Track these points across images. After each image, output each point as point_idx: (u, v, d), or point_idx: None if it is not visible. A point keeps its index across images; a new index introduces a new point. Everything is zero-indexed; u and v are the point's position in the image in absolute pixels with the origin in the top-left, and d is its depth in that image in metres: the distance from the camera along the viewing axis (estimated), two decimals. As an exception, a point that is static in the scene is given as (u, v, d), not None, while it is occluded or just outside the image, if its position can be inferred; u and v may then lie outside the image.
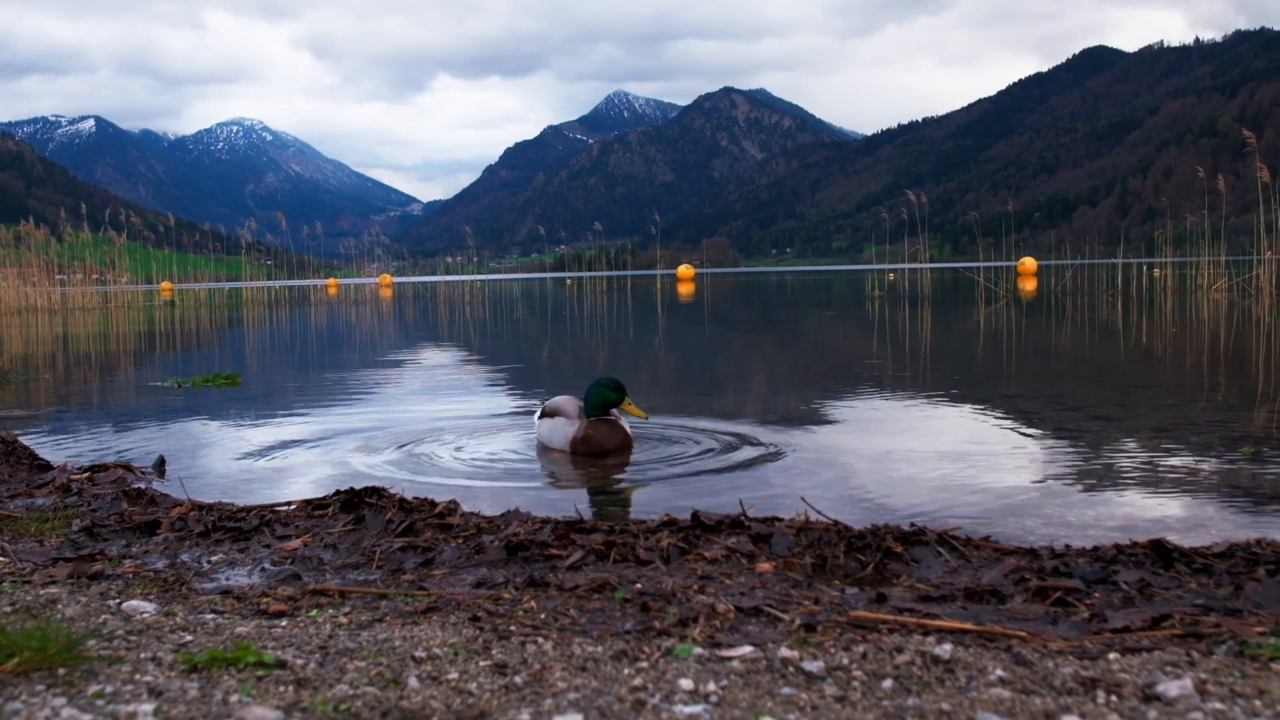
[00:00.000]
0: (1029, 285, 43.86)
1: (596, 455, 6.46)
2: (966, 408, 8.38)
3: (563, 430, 6.58)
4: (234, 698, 2.34)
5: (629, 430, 6.76)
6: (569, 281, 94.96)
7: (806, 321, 23.62)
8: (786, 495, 5.50)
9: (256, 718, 2.19)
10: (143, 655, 2.66)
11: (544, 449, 6.75)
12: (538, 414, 6.97)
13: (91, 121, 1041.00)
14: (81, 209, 57.07)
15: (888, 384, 10.16)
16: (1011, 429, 7.28)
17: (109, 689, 2.39)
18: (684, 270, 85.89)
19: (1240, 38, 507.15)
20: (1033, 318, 21.83)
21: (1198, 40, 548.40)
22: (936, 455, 6.37)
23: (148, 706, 2.26)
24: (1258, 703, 2.26)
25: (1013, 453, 6.40)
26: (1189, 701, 2.26)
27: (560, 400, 6.80)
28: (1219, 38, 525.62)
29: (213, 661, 2.57)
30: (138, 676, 2.48)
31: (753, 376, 11.41)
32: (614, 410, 6.69)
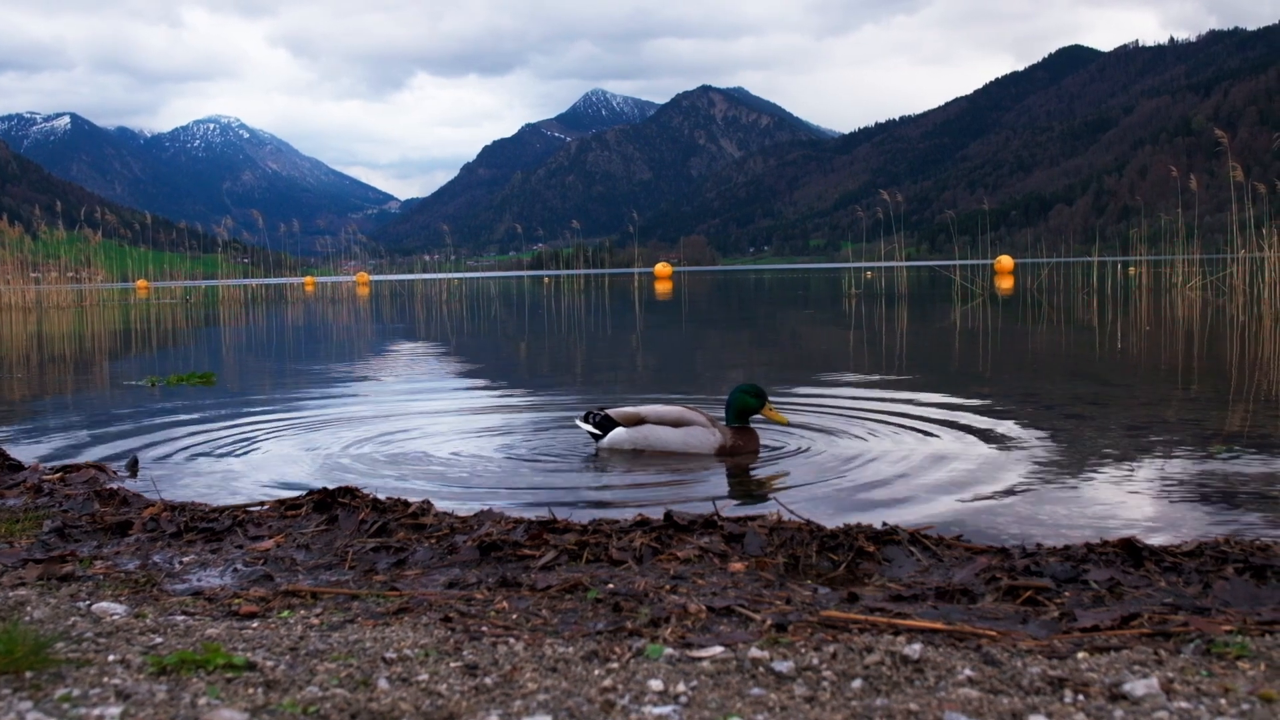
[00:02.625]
0: (1006, 283, 44.03)
1: (736, 458, 6.49)
2: (941, 407, 8.41)
3: (702, 437, 6.57)
4: (202, 700, 2.33)
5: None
6: (546, 280, 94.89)
7: (783, 320, 23.65)
8: (760, 494, 5.52)
9: (224, 721, 2.19)
10: (111, 658, 2.64)
11: (636, 452, 6.70)
12: (618, 421, 6.80)
13: (67, 118, 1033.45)
14: (57, 207, 56.74)
15: (862, 383, 10.19)
16: (986, 428, 7.30)
17: (76, 692, 2.37)
18: (661, 268, 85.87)
19: (1214, 38, 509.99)
20: (1009, 316, 21.92)
21: (1172, 40, 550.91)
22: (911, 455, 6.40)
23: (114, 710, 2.25)
24: (1223, 701, 2.27)
25: (986, 452, 6.42)
26: (1155, 700, 2.28)
27: (673, 410, 6.74)
28: (1193, 38, 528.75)
29: (182, 664, 2.56)
30: (105, 679, 2.47)
31: (728, 374, 11.42)
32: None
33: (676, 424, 6.65)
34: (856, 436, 7.09)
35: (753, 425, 6.72)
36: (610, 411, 6.85)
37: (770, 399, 6.69)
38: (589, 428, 6.90)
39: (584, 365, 13.42)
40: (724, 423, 6.68)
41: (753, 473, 6.08)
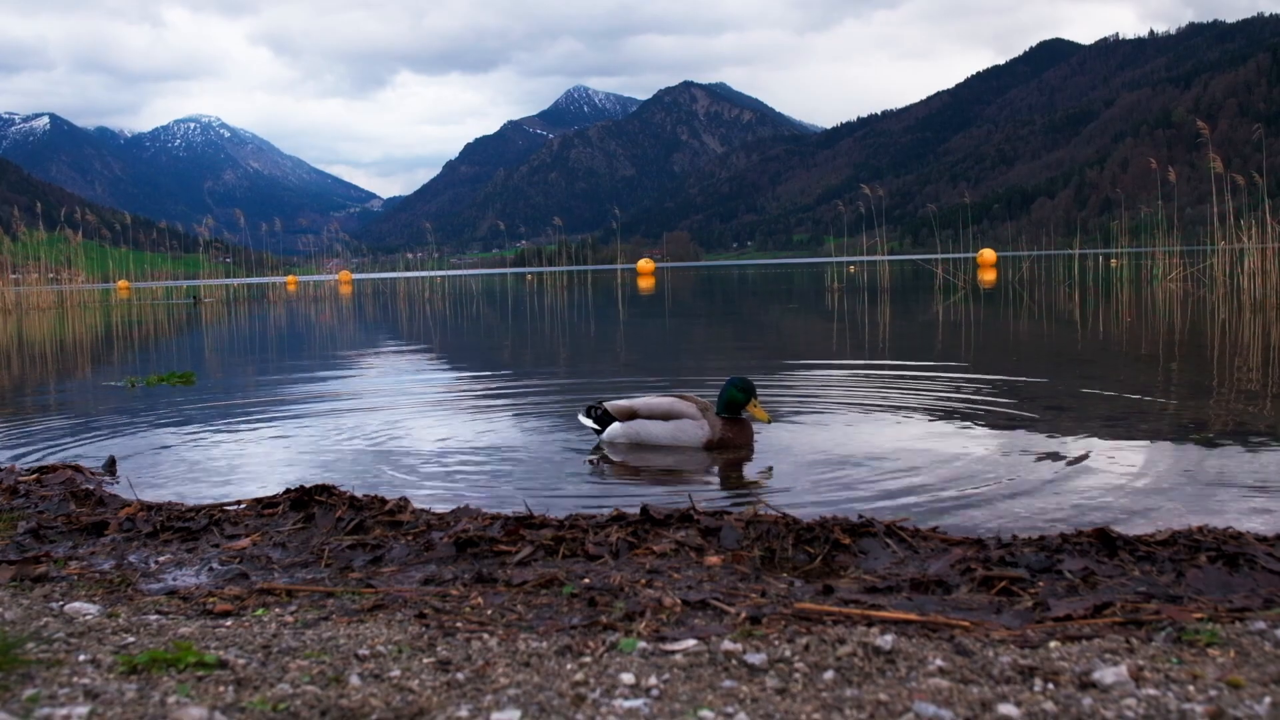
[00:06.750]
0: (988, 276, 44.13)
1: (725, 452, 6.49)
2: (921, 399, 8.42)
3: (691, 431, 6.57)
4: (171, 699, 2.32)
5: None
6: (529, 277, 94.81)
7: (766, 314, 23.67)
8: (738, 487, 5.52)
9: (192, 718, 2.18)
10: (82, 657, 2.63)
11: (633, 446, 6.71)
12: (614, 415, 6.81)
13: (46, 119, 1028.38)
14: (36, 208, 56.39)
15: (842, 376, 10.20)
16: (966, 419, 7.32)
17: (45, 692, 2.36)
18: (644, 265, 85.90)
19: (1193, 30, 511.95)
20: (991, 309, 21.97)
21: (1152, 33, 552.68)
22: (889, 447, 6.40)
23: (82, 709, 2.24)
24: (1191, 688, 2.28)
25: (965, 443, 6.43)
26: (1124, 688, 2.28)
27: (663, 402, 6.74)
28: (1172, 30, 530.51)
29: (153, 662, 2.55)
30: (75, 679, 2.45)
31: (711, 366, 11.41)
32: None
33: (666, 416, 6.66)
34: (838, 429, 7.10)
35: (745, 418, 6.72)
36: (608, 405, 6.86)
37: (757, 395, 6.68)
38: (590, 423, 6.91)
39: (568, 360, 13.41)
40: (715, 413, 6.68)
41: (737, 466, 6.09)
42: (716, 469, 6.03)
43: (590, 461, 6.36)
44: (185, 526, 4.42)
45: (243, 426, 8.09)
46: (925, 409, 7.89)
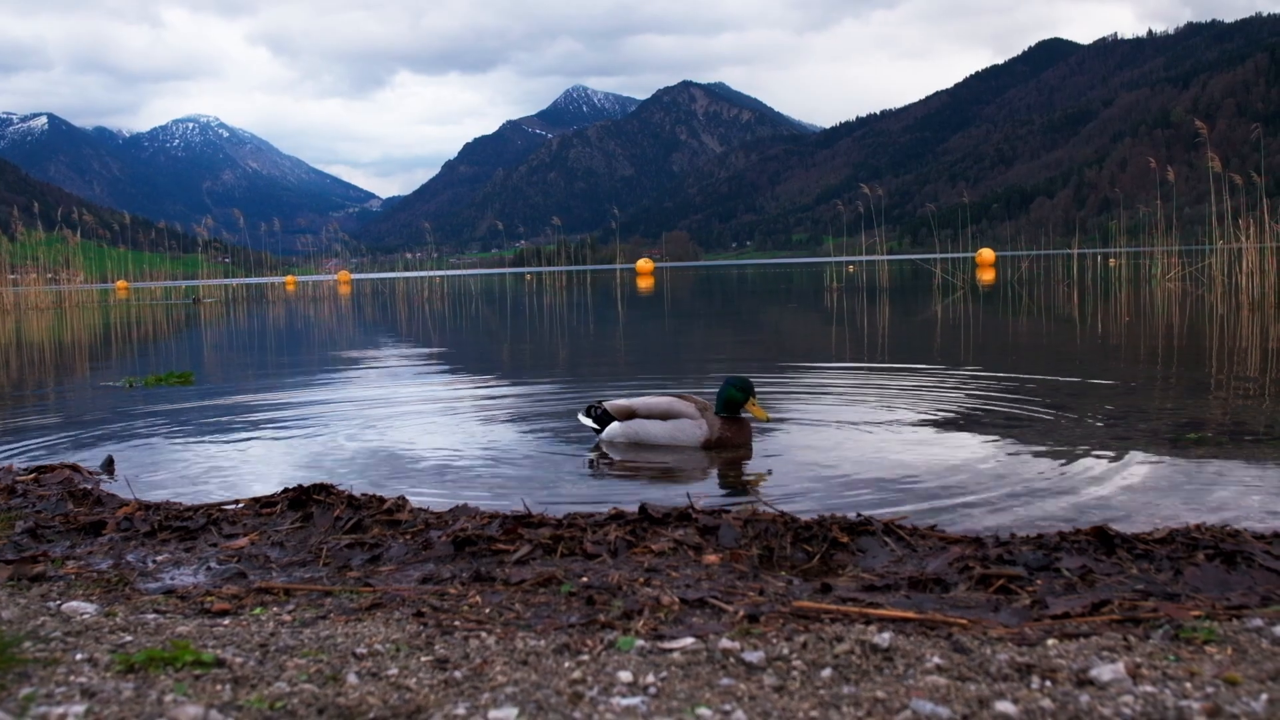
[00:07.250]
0: (987, 276, 44.12)
1: (724, 451, 6.49)
2: (919, 398, 8.42)
3: (689, 430, 6.57)
4: (168, 697, 2.32)
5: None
6: (528, 277, 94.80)
7: (765, 314, 23.67)
8: (737, 486, 5.52)
9: (189, 717, 2.17)
10: (79, 656, 2.63)
11: (632, 445, 6.71)
12: (612, 415, 6.81)
13: (44, 119, 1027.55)
14: (34, 208, 56.32)
15: (841, 376, 10.20)
16: (965, 418, 7.32)
17: (41, 691, 2.36)
18: (643, 264, 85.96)
19: (1191, 30, 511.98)
20: (990, 308, 21.98)
21: (1150, 32, 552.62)
22: (888, 446, 6.41)
23: (79, 708, 2.24)
24: (1188, 685, 2.28)
25: (964, 441, 6.44)
26: (1121, 685, 2.28)
27: (661, 401, 6.74)
28: (1171, 30, 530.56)
29: (150, 661, 2.55)
30: (72, 678, 2.45)
31: (710, 365, 11.41)
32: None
33: (665, 416, 6.65)
34: (836, 428, 7.10)
35: (744, 417, 6.71)
36: (607, 405, 6.86)
37: (756, 394, 6.67)
38: (589, 422, 6.91)
39: (567, 360, 13.41)
40: (714, 412, 6.67)
41: (735, 465, 6.09)
42: (715, 468, 6.03)
43: (589, 461, 6.36)
44: (183, 526, 4.42)
45: (241, 426, 8.09)
46: (924, 408, 7.89)
